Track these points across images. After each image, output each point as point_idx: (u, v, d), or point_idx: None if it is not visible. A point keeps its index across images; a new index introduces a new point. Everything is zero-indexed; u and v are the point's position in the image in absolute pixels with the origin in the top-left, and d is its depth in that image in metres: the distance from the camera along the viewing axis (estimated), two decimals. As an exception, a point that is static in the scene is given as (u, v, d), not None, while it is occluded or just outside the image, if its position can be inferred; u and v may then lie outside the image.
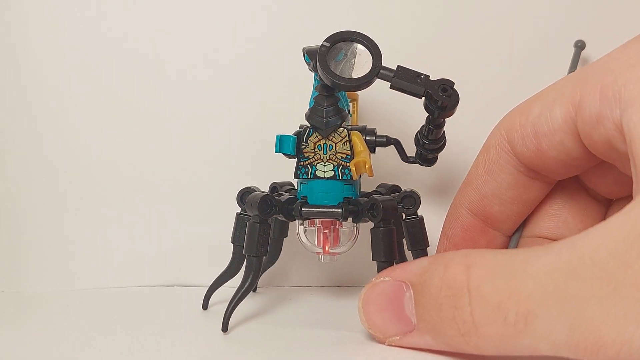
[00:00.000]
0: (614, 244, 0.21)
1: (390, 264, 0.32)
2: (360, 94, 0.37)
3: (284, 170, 0.38)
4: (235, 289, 0.33)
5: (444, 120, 0.33)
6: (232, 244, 0.37)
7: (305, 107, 0.35)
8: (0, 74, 0.42)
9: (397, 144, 0.37)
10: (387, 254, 0.32)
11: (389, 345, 0.30)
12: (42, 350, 0.31)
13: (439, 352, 0.28)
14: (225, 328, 0.32)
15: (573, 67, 0.38)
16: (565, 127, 0.27)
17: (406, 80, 0.31)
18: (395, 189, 0.38)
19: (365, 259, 0.39)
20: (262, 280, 0.42)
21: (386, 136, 0.37)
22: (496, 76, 0.41)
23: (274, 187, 0.38)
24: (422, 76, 0.31)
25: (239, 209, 0.37)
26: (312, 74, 0.35)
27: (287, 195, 0.35)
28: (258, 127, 0.43)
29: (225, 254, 0.37)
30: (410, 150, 0.37)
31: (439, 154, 0.36)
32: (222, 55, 0.43)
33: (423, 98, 0.32)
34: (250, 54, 0.42)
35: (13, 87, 0.43)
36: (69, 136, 0.43)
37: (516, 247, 0.34)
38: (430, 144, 0.35)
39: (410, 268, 0.30)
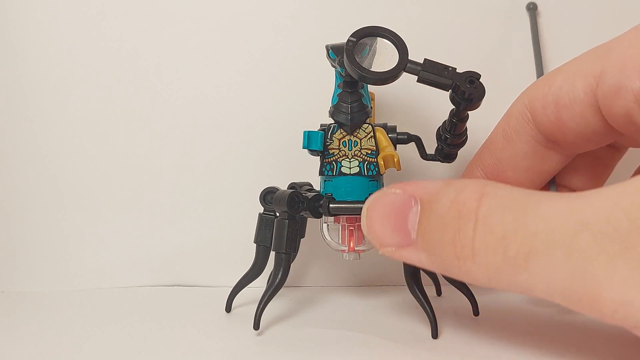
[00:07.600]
0: (630, 206, 0.21)
1: None
2: (377, 91, 0.37)
3: (284, 170, 0.38)
4: (265, 287, 0.32)
5: (468, 115, 0.34)
6: (255, 244, 0.37)
7: (326, 106, 0.35)
8: (-1, 74, 0.43)
9: (418, 141, 0.37)
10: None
11: (382, 254, 0.29)
12: (42, 350, 0.31)
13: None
14: (257, 326, 0.32)
15: (534, 32, 0.37)
16: (585, 99, 0.27)
17: (434, 73, 0.31)
18: None
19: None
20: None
21: (407, 133, 0.37)
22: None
23: (293, 187, 0.38)
24: (449, 68, 0.31)
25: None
26: (334, 71, 0.35)
27: (311, 193, 0.34)
28: (261, 127, 0.42)
29: (225, 253, 0.36)
30: (430, 147, 0.37)
31: (459, 151, 0.37)
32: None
33: (449, 91, 0.32)
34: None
35: (12, 87, 0.43)
36: (68, 136, 0.43)
37: None
38: (452, 138, 0.35)
39: (425, 185, 0.29)
